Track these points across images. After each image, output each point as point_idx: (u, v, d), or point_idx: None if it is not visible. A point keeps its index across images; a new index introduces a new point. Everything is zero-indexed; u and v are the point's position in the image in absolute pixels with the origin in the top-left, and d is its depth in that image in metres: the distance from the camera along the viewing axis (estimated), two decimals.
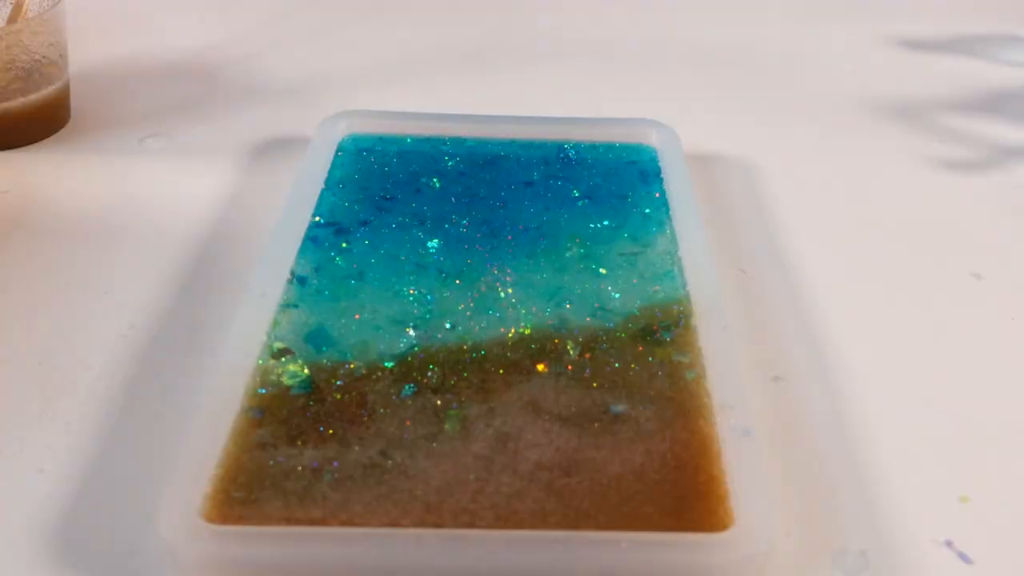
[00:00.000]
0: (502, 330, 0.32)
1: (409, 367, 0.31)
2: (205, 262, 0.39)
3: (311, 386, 0.30)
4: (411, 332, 0.32)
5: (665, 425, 0.28)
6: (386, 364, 0.31)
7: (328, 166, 0.41)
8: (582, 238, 0.37)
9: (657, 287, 0.34)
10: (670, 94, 0.55)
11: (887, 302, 0.37)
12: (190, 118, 0.52)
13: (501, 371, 0.30)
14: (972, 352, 0.35)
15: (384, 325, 0.32)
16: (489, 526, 0.25)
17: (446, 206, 0.39)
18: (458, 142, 0.43)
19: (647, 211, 0.39)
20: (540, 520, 0.25)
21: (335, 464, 0.27)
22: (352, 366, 0.30)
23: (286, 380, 0.30)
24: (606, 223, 0.38)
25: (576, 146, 0.43)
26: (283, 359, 0.31)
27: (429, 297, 0.34)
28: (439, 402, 0.29)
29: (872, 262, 0.40)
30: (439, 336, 0.32)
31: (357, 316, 0.33)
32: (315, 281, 0.34)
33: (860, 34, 0.63)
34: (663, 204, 0.39)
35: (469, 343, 0.32)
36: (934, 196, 0.45)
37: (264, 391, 0.29)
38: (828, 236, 0.42)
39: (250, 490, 0.26)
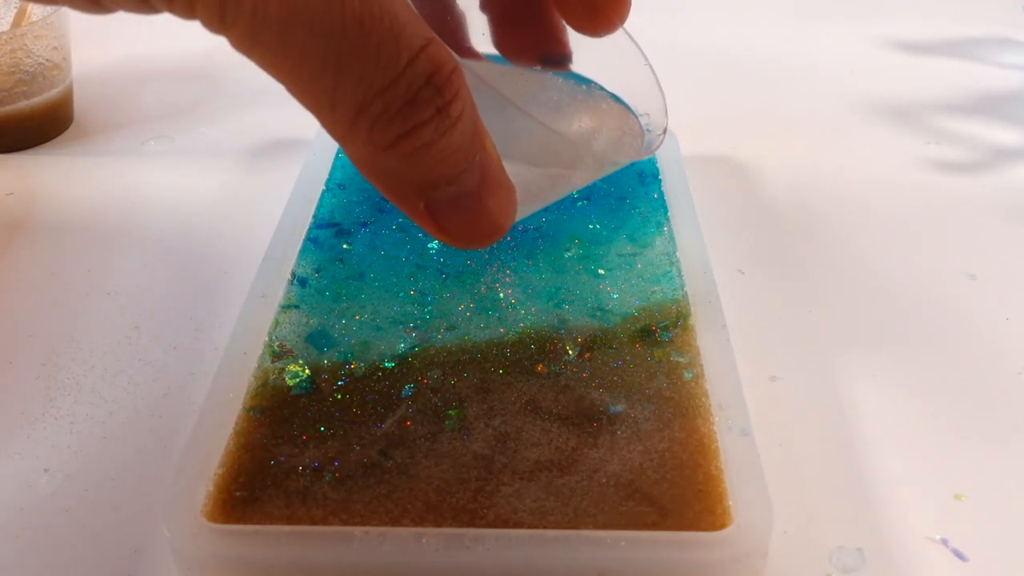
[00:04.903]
0: (502, 330, 0.32)
1: (409, 367, 0.31)
2: (207, 263, 0.40)
3: (311, 386, 0.30)
4: (411, 332, 0.32)
5: (663, 424, 0.29)
6: (386, 364, 0.31)
7: (329, 168, 0.42)
8: (581, 239, 0.37)
9: (656, 287, 0.34)
10: (667, 95, 0.55)
11: (883, 302, 0.38)
12: (192, 120, 0.52)
13: (501, 371, 0.31)
14: (967, 351, 0.35)
15: (384, 325, 0.33)
16: (489, 526, 0.25)
17: None
18: None
19: (645, 212, 0.39)
20: (539, 519, 0.26)
21: (336, 464, 0.27)
22: (352, 366, 0.31)
23: (287, 380, 0.30)
24: (605, 224, 0.38)
25: None
26: (284, 359, 0.31)
27: (429, 298, 0.34)
28: (439, 402, 0.29)
29: (868, 262, 0.40)
30: (439, 336, 0.32)
31: (357, 317, 0.33)
32: (316, 282, 0.35)
33: (856, 36, 0.63)
34: (661, 205, 0.39)
35: (469, 343, 0.32)
36: (929, 197, 0.45)
37: (265, 391, 0.30)
38: (824, 237, 0.42)
39: (252, 489, 0.26)
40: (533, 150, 0.24)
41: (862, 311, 0.37)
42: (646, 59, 0.29)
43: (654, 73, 0.29)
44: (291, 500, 0.26)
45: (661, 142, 0.28)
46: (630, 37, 0.29)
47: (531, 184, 0.24)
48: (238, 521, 0.25)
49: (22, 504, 0.29)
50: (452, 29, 0.28)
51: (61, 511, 0.28)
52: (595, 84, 0.30)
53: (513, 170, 0.22)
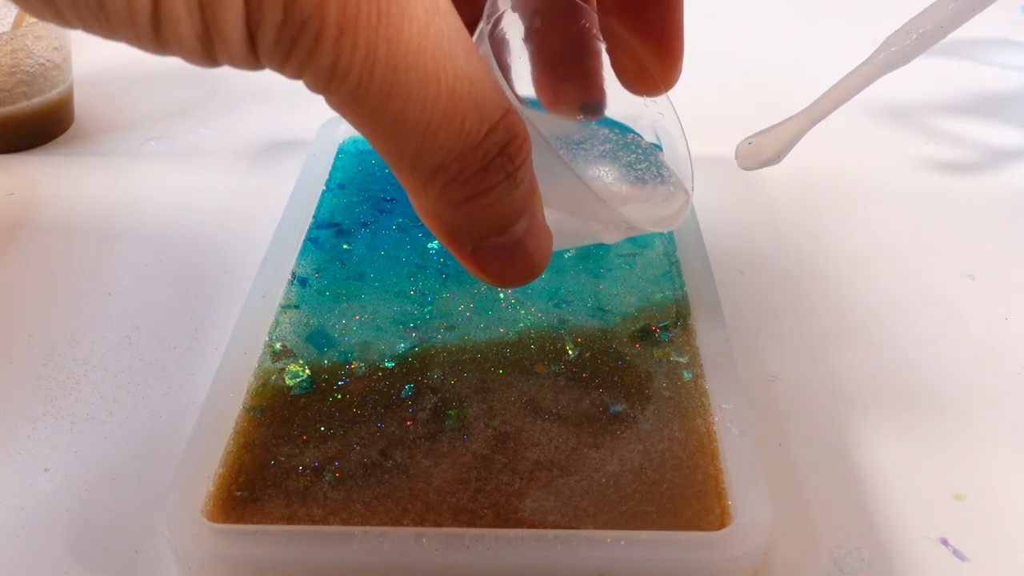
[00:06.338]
0: (502, 330, 0.32)
1: (409, 367, 0.31)
2: (207, 264, 0.40)
3: (312, 386, 0.30)
4: (411, 332, 0.32)
5: (663, 424, 0.29)
6: (386, 364, 0.31)
7: (329, 168, 0.42)
8: None
9: (655, 288, 0.34)
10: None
11: (882, 302, 0.38)
12: (192, 121, 0.52)
13: (501, 371, 0.31)
14: (966, 352, 0.35)
15: (384, 325, 0.33)
16: (489, 525, 0.25)
17: None
18: None
19: None
20: (539, 519, 0.26)
21: (336, 464, 0.27)
22: (352, 366, 0.31)
23: (287, 380, 0.30)
24: None
25: None
26: (284, 359, 0.31)
27: (429, 298, 0.34)
28: (439, 402, 0.29)
29: (867, 262, 0.40)
30: (439, 336, 0.32)
31: (357, 317, 0.33)
32: (316, 282, 0.35)
33: (856, 36, 0.63)
34: None
35: (469, 343, 0.32)
36: (929, 197, 0.45)
37: (265, 391, 0.30)
38: (823, 237, 0.42)
39: (252, 489, 0.26)
40: (574, 206, 0.25)
41: (861, 311, 0.37)
42: (682, 128, 0.31)
43: (687, 143, 0.31)
44: (291, 500, 0.26)
45: (685, 215, 0.29)
46: (670, 102, 0.31)
47: (565, 232, 0.26)
48: (238, 521, 0.25)
49: (22, 504, 0.29)
50: (504, 68, 0.29)
51: (61, 511, 0.28)
52: (636, 134, 0.31)
53: (551, 216, 0.24)
